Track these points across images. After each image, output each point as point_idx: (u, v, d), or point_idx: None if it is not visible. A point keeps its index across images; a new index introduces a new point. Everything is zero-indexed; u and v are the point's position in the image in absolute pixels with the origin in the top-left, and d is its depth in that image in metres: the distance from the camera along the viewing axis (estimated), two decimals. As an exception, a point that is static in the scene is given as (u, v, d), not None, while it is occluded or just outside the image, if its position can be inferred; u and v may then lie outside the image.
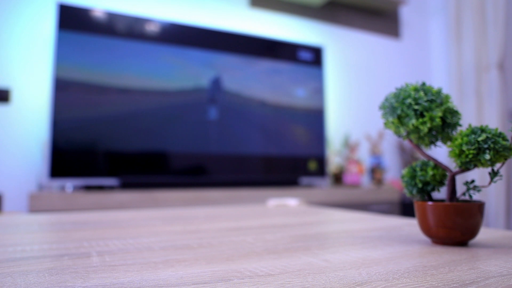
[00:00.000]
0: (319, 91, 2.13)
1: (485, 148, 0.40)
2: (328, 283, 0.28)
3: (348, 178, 2.14)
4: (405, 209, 2.22)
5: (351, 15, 2.60)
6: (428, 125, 0.41)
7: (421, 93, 0.42)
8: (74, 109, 1.57)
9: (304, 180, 2.04)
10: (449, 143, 0.43)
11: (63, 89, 1.56)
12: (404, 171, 0.48)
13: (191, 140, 1.78)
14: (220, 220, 0.68)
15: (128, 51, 1.69)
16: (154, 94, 1.72)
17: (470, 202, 0.42)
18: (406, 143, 2.59)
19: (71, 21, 1.61)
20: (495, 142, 0.39)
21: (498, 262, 0.34)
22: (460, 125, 0.43)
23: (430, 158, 0.45)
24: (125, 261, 0.35)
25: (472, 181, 0.43)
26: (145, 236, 0.50)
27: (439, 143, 1.73)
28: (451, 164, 2.33)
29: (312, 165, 2.06)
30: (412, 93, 0.42)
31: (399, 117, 0.43)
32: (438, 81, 2.87)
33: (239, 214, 0.78)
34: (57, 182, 1.53)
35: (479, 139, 0.39)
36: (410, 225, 0.60)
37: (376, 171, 2.26)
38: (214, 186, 1.83)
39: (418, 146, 0.44)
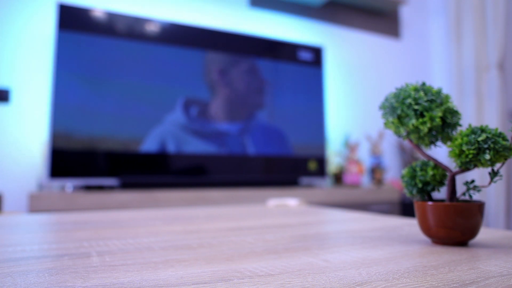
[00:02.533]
0: (319, 91, 2.13)
1: (485, 148, 0.40)
2: (328, 283, 0.28)
3: (348, 178, 2.14)
4: (405, 209, 2.22)
5: (351, 15, 2.60)
6: (428, 125, 0.41)
7: (421, 93, 0.42)
8: (74, 109, 1.57)
9: (304, 180, 2.04)
10: (449, 143, 0.43)
11: (63, 89, 1.56)
12: (404, 171, 0.48)
13: (191, 140, 1.78)
14: (220, 220, 0.68)
15: (128, 51, 1.69)
16: (154, 94, 1.72)
17: (470, 202, 0.42)
18: (406, 143, 2.59)
19: (71, 21, 1.61)
20: (495, 142, 0.39)
21: (498, 262, 0.34)
22: (460, 125, 0.43)
23: (430, 158, 0.45)
24: (125, 261, 0.35)
25: (472, 181, 0.43)
26: (145, 236, 0.50)
27: (439, 143, 1.73)
28: (451, 164, 2.33)
29: (312, 165, 2.06)
30: (412, 93, 0.42)
31: (399, 117, 0.43)
32: (438, 81, 2.87)
33: (239, 214, 0.78)
34: (57, 182, 1.53)
35: (479, 139, 0.39)
36: (410, 225, 0.60)
37: (376, 171, 2.26)
38: (214, 186, 1.83)
39: (418, 146, 0.44)
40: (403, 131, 0.44)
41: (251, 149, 1.91)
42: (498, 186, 2.37)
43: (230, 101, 1.89)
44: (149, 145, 1.69)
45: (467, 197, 0.76)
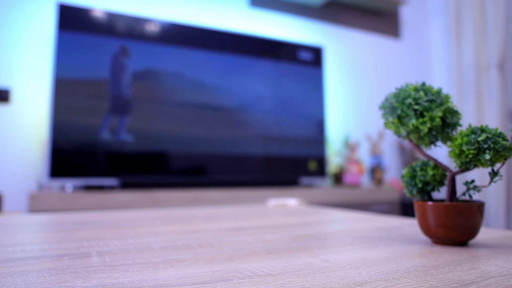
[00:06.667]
0: (319, 91, 2.13)
1: (485, 148, 0.40)
2: (328, 283, 0.28)
3: (348, 178, 2.14)
4: (405, 209, 2.22)
5: (351, 15, 2.60)
6: (428, 125, 0.41)
7: (421, 93, 0.42)
8: (74, 109, 1.57)
9: (304, 180, 2.04)
10: (449, 143, 0.43)
11: (63, 89, 1.56)
12: (404, 171, 0.48)
13: (191, 139, 1.78)
14: (220, 220, 0.68)
15: (128, 51, 1.69)
16: (153, 93, 1.72)
17: (470, 202, 0.42)
18: (406, 143, 2.59)
19: (71, 21, 1.61)
20: (495, 142, 0.39)
21: (498, 262, 0.34)
22: (460, 125, 0.43)
23: (430, 158, 0.45)
24: (125, 261, 0.35)
25: (472, 181, 0.43)
26: (145, 236, 0.50)
27: (439, 143, 1.73)
28: (451, 164, 2.33)
29: (312, 165, 2.06)
30: (412, 93, 0.42)
31: (399, 117, 0.43)
32: (438, 81, 2.87)
33: (239, 214, 0.78)
34: (57, 182, 1.53)
35: (479, 139, 0.39)
36: (410, 225, 0.60)
37: (376, 171, 2.26)
38: (214, 186, 1.83)
39: (418, 146, 0.44)
40: (403, 131, 0.44)
41: (250, 149, 1.91)
42: (498, 186, 2.37)
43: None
44: (149, 144, 1.69)
45: (467, 197, 0.76)
